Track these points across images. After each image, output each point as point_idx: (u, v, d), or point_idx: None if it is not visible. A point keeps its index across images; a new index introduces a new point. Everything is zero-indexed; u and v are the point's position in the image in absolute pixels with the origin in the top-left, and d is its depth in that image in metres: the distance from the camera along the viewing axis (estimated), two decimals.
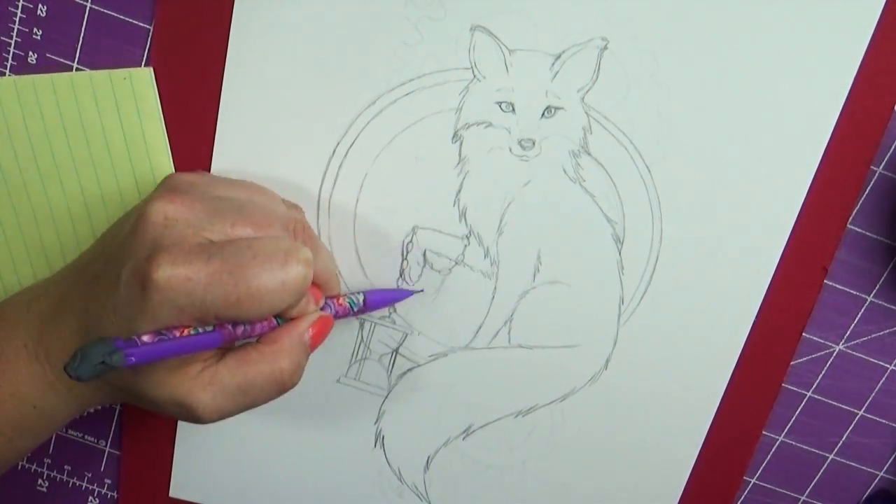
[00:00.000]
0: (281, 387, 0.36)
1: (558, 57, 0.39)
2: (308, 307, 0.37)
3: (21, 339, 0.37)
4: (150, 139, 0.41)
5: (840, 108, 0.39)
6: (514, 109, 0.40)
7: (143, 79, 0.40)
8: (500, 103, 0.40)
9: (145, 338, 0.32)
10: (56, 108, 0.40)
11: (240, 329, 0.34)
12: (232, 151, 0.41)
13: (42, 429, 0.38)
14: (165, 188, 0.37)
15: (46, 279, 0.40)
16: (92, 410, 0.47)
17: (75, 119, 0.40)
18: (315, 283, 0.38)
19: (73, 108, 0.40)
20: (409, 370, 0.45)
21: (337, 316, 0.40)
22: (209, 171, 0.41)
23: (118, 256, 0.35)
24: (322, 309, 0.38)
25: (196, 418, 0.35)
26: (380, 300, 0.42)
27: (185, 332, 0.33)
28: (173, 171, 0.41)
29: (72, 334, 0.36)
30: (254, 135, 0.40)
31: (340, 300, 0.40)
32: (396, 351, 0.44)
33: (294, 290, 0.34)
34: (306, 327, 0.37)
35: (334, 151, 0.41)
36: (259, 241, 0.34)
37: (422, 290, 0.43)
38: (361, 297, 0.41)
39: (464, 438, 0.46)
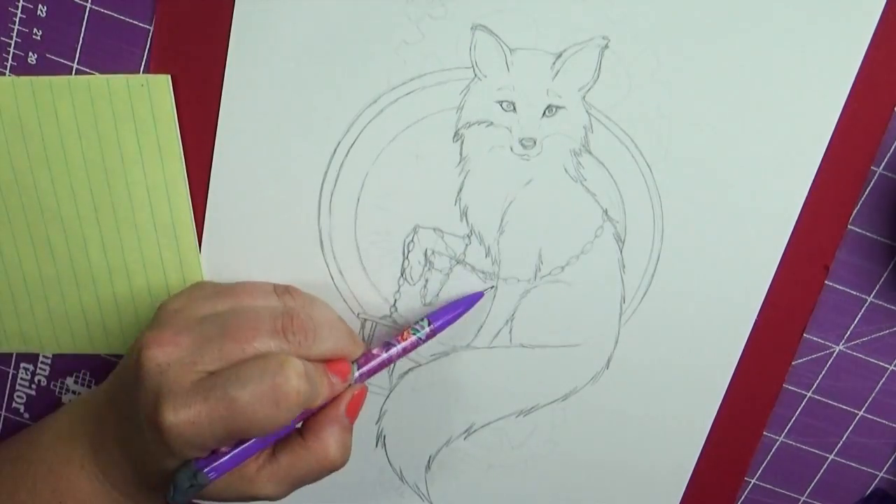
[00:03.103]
0: (332, 470, 0.39)
1: (559, 56, 0.39)
2: (334, 389, 0.38)
3: (78, 460, 0.39)
4: (165, 146, 0.41)
5: (840, 108, 0.39)
6: (515, 108, 0.40)
7: (160, 85, 0.40)
8: (501, 102, 0.40)
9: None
10: (72, 110, 0.40)
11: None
12: (232, 151, 0.41)
13: None
14: (154, 326, 0.38)
15: (87, 395, 0.42)
16: None
17: (90, 122, 0.40)
18: (334, 361, 0.39)
19: (89, 112, 0.40)
20: (411, 370, 0.45)
21: (406, 352, 0.41)
22: (209, 170, 0.41)
23: (133, 403, 0.37)
24: (365, 366, 0.40)
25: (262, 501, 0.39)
26: (447, 320, 0.42)
27: None
28: (185, 177, 0.41)
29: (121, 461, 0.38)
30: (254, 134, 0.40)
31: (405, 335, 0.41)
32: None
33: (293, 405, 0.35)
34: (342, 411, 0.38)
35: (335, 151, 0.41)
36: (246, 369, 0.35)
37: (493, 286, 0.43)
38: (426, 325, 0.41)
39: (465, 438, 0.46)
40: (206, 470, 0.36)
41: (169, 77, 0.40)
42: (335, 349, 0.39)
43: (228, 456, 0.36)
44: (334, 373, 0.38)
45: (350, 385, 0.39)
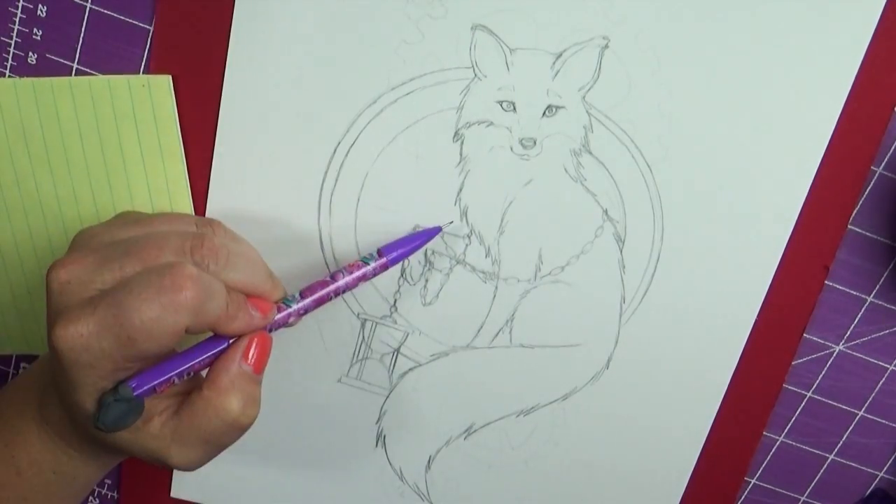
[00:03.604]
0: (238, 427, 0.35)
1: (559, 56, 0.39)
2: (253, 321, 0.35)
3: (30, 413, 0.38)
4: (166, 147, 0.41)
5: (840, 108, 0.39)
6: (515, 108, 0.40)
7: (161, 86, 0.40)
8: (501, 102, 0.40)
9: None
10: (73, 111, 0.40)
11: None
12: (232, 151, 0.41)
13: (68, 493, 0.40)
14: (69, 249, 0.36)
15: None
16: None
17: (91, 123, 0.40)
18: (253, 295, 0.36)
19: (90, 113, 0.40)
20: (411, 370, 0.45)
21: (355, 282, 0.38)
22: (209, 171, 0.41)
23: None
24: (297, 301, 0.37)
25: (180, 469, 0.36)
26: (400, 253, 0.39)
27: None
28: (186, 178, 0.41)
29: (59, 408, 0.37)
30: (254, 135, 0.40)
31: (354, 266, 0.38)
32: (398, 350, 0.44)
33: (181, 306, 0.32)
34: (239, 357, 0.35)
35: (335, 151, 0.41)
36: (137, 275, 0.33)
37: (451, 222, 0.41)
38: (377, 255, 0.39)
39: (465, 438, 0.46)
40: (129, 382, 0.33)
41: (170, 77, 0.40)
42: (248, 281, 0.36)
43: (151, 368, 0.34)
44: (254, 306, 0.35)
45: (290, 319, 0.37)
